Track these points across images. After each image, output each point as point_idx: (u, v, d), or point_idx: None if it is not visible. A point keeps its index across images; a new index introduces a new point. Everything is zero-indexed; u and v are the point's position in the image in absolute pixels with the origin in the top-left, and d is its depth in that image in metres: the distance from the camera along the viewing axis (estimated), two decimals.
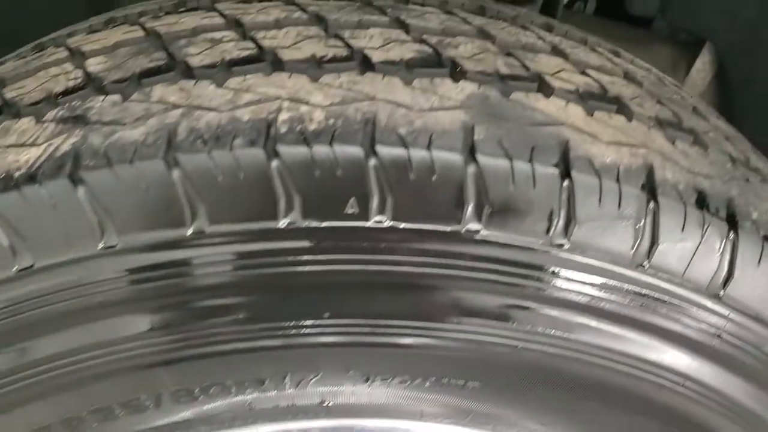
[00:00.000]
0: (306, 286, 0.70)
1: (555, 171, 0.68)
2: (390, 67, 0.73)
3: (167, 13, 0.86)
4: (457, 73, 0.74)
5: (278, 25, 0.79)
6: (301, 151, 0.65)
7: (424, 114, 0.68)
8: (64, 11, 1.40)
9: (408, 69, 0.73)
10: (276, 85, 0.69)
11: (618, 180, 0.70)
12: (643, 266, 0.71)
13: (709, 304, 0.74)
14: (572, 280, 0.72)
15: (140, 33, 0.81)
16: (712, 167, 0.77)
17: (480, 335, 0.73)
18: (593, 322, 0.73)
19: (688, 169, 0.74)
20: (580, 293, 0.72)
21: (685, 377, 0.77)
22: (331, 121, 0.66)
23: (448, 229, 0.67)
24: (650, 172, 0.71)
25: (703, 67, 1.77)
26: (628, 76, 0.87)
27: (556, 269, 0.71)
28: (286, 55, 0.73)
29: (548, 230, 0.69)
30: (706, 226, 0.72)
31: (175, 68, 0.72)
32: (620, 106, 0.78)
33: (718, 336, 0.76)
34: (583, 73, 0.82)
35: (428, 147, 0.66)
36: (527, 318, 0.73)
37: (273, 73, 0.71)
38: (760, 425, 0.82)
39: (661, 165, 0.73)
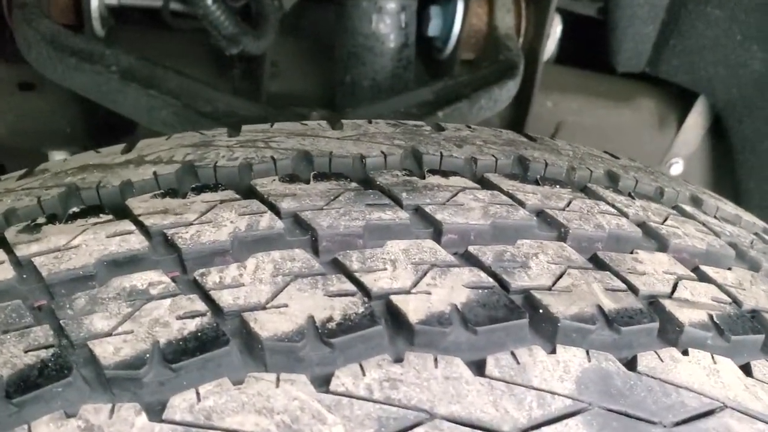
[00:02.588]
0: None
1: None
2: (437, 330, 0.44)
3: None
4: (543, 324, 0.46)
5: (238, 249, 0.49)
6: None
7: None
8: None
9: (468, 329, 0.44)
10: (259, 406, 0.39)
11: None
12: None
13: None
14: None
15: None
16: None
17: None
18: None
19: None
20: None
21: None
22: None
23: None
24: None
25: (695, 123, 1.55)
26: (741, 255, 0.61)
27: None
28: (266, 326, 0.43)
29: None
30: None
31: None
32: (767, 333, 0.52)
33: None
34: (702, 275, 0.55)
35: None
36: None
37: (249, 373, 0.41)
38: None
39: None
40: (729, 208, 0.72)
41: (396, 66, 1.25)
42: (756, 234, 0.69)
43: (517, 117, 1.43)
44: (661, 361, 0.46)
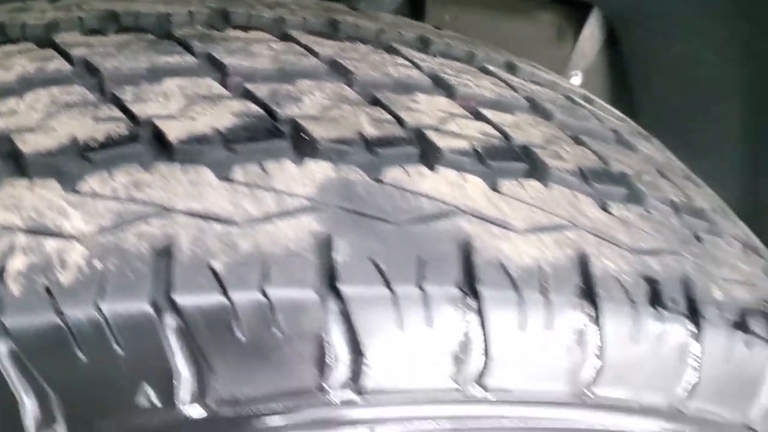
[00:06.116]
0: None
1: (457, 293, 0.46)
2: (195, 148, 0.47)
3: None
4: (303, 145, 0.50)
5: (22, 86, 0.52)
6: (46, 322, 0.39)
7: (254, 228, 0.44)
8: None
9: (226, 147, 0.48)
10: (8, 204, 0.43)
11: (545, 288, 0.48)
12: (587, 397, 0.51)
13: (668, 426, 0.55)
14: None
15: None
16: (658, 234, 0.57)
17: None
18: None
19: (631, 247, 0.54)
20: None
21: None
22: (98, 265, 0.41)
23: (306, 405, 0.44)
24: (585, 266, 0.50)
25: (590, 35, 1.59)
26: (534, 107, 0.65)
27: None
28: (29, 143, 0.46)
29: (456, 378, 0.47)
30: (663, 330, 0.52)
31: None
32: (532, 164, 0.56)
33: None
34: (478, 115, 0.59)
35: (263, 285, 0.42)
36: None
37: (6, 179, 0.44)
38: None
39: (597, 251, 0.52)
40: (547, 75, 0.76)
41: None
42: (567, 97, 0.74)
43: None
44: (408, 175, 0.50)
